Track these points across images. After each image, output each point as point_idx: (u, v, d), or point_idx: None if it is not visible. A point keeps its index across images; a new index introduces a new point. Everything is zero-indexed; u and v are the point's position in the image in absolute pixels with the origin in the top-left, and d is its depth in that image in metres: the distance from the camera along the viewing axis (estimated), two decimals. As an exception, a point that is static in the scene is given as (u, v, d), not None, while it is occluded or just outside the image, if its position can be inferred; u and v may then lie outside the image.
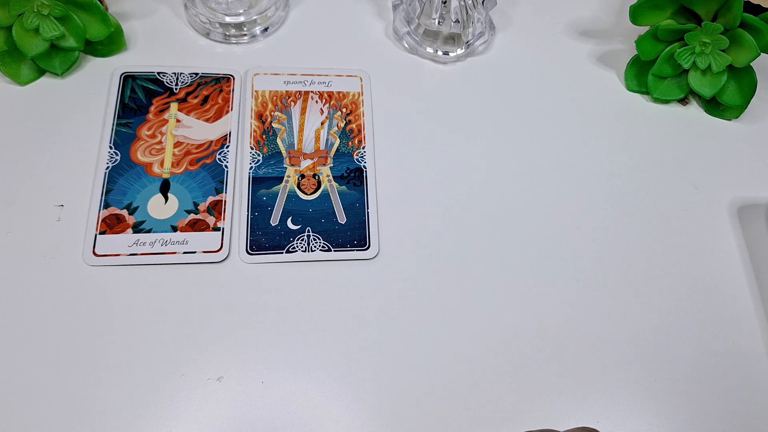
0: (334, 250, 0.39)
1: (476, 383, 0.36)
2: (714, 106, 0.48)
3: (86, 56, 0.44)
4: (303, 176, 0.41)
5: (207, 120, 0.43)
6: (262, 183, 0.41)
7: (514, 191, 0.43)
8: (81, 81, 0.43)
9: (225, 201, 0.40)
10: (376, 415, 0.35)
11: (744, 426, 0.37)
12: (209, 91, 0.44)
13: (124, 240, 0.38)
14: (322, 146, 0.43)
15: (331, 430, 0.34)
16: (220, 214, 0.39)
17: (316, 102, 0.44)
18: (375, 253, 0.39)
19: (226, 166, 0.41)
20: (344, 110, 0.44)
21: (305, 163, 0.42)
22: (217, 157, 0.41)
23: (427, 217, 0.41)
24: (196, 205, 0.40)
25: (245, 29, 0.46)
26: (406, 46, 0.48)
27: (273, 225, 0.40)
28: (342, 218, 0.40)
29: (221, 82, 0.44)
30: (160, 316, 0.36)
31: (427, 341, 0.37)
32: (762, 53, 0.43)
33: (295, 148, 0.42)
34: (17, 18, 0.40)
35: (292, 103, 0.44)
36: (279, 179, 0.41)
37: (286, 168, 0.42)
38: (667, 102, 0.48)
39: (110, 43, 0.44)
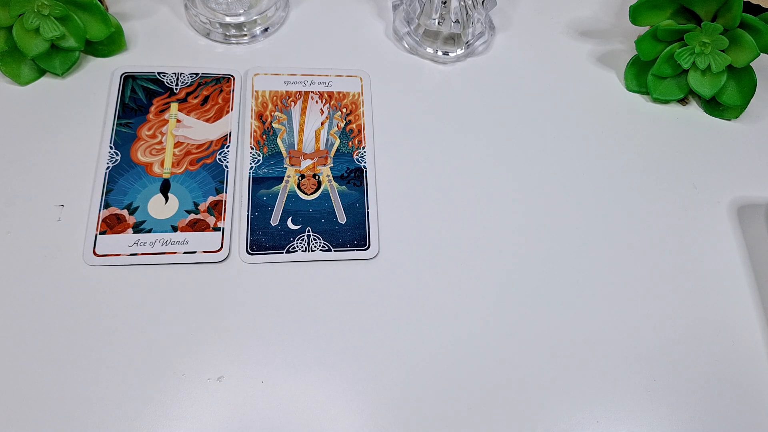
0: (334, 250, 0.39)
1: (476, 383, 0.36)
2: (714, 106, 0.48)
3: (86, 56, 0.44)
4: (303, 176, 0.42)
5: (207, 120, 0.43)
6: (262, 183, 0.41)
7: (514, 191, 0.43)
8: (81, 81, 0.43)
9: (225, 201, 0.40)
10: (376, 415, 0.35)
11: (744, 426, 0.37)
12: (209, 91, 0.44)
13: (125, 240, 0.38)
14: (322, 146, 0.43)
15: (331, 430, 0.34)
16: (221, 214, 0.39)
17: (316, 102, 0.44)
18: (375, 253, 0.39)
19: (226, 166, 0.41)
20: (344, 110, 0.44)
21: (305, 163, 0.42)
22: (218, 157, 0.41)
23: (427, 217, 0.41)
24: (196, 205, 0.40)
25: (245, 29, 0.46)
26: (406, 46, 0.48)
27: (273, 225, 0.40)
28: (342, 218, 0.40)
29: (221, 82, 0.44)
30: (160, 316, 0.36)
31: (427, 341, 0.37)
32: (762, 53, 0.43)
33: (296, 148, 0.42)
34: (17, 18, 0.40)
35: (293, 103, 0.44)
36: (279, 179, 0.41)
37: (286, 168, 0.42)
38: (666, 102, 0.48)
39: (110, 43, 0.44)
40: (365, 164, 0.43)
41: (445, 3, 0.45)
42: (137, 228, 0.38)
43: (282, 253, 0.39)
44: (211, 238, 0.39)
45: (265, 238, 0.39)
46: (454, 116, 0.45)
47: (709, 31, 0.44)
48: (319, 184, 0.41)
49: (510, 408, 0.36)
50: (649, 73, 0.47)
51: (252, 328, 0.37)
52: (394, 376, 0.36)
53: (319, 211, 0.40)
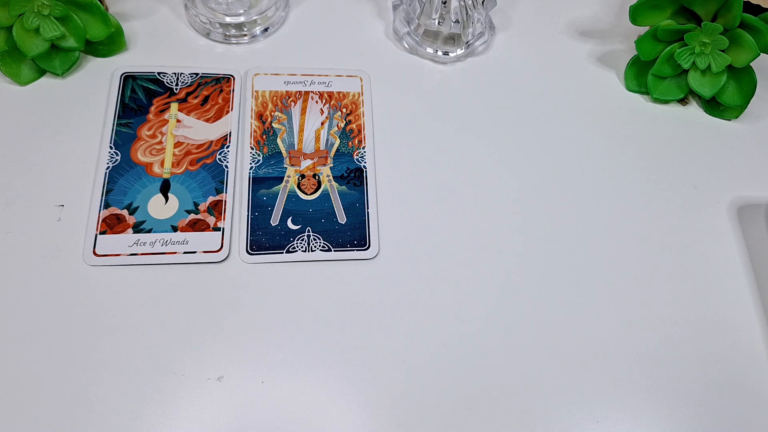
0: (334, 250, 0.39)
1: (477, 383, 0.36)
2: (714, 106, 0.48)
3: (86, 56, 0.44)
4: (303, 176, 0.42)
5: (207, 120, 0.43)
6: (262, 183, 0.41)
7: (514, 191, 0.43)
8: (81, 81, 0.43)
9: (225, 201, 0.40)
10: (376, 415, 0.35)
11: (744, 426, 0.37)
12: (209, 91, 0.44)
13: (125, 240, 0.38)
14: (322, 146, 0.43)
15: (331, 430, 0.34)
16: (221, 214, 0.39)
17: (316, 102, 0.44)
18: (375, 253, 0.39)
19: (226, 166, 0.41)
20: (344, 110, 0.44)
21: (305, 163, 0.42)
22: (218, 157, 0.41)
23: (427, 217, 0.41)
24: (196, 205, 0.40)
25: (245, 29, 0.46)
26: (406, 46, 0.48)
27: (273, 225, 0.40)
28: (342, 218, 0.40)
29: (221, 82, 0.44)
30: (160, 316, 0.36)
31: (427, 341, 0.37)
32: (761, 53, 0.43)
33: (296, 148, 0.42)
34: (18, 18, 0.40)
35: (293, 103, 0.44)
36: (279, 179, 0.41)
37: (286, 168, 0.42)
38: (666, 102, 0.48)
39: (110, 43, 0.44)
40: (365, 164, 0.43)
41: (445, 3, 0.45)
42: (137, 228, 0.38)
43: (282, 253, 0.39)
44: (211, 238, 0.39)
45: (265, 238, 0.39)
46: (454, 116, 0.45)
47: (709, 31, 0.44)
48: (319, 184, 0.41)
49: (510, 408, 0.36)
50: (649, 73, 0.47)
51: (252, 328, 0.37)
52: (394, 376, 0.36)
53: (319, 211, 0.40)
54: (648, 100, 0.48)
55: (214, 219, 0.39)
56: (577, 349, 0.38)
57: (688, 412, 0.37)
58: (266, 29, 0.47)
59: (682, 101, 0.48)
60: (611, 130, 0.46)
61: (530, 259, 0.41)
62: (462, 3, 0.45)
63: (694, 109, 0.48)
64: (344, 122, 0.44)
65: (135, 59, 0.45)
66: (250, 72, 0.45)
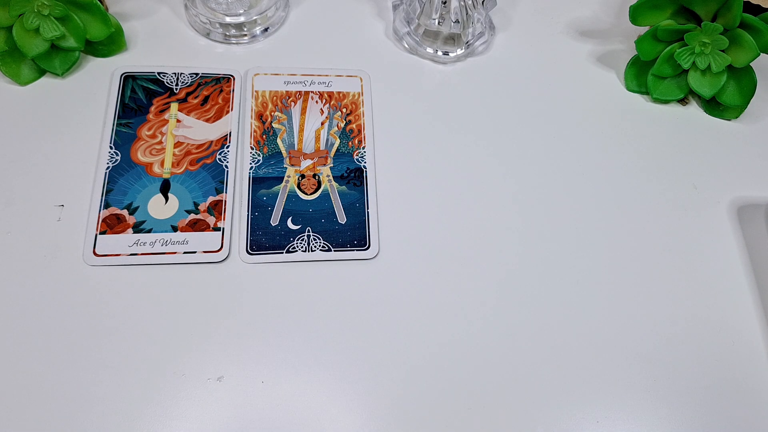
0: (334, 250, 0.39)
1: (477, 383, 0.36)
2: (714, 106, 0.48)
3: (86, 56, 0.44)
4: (303, 176, 0.42)
5: (207, 120, 0.43)
6: (262, 183, 0.41)
7: (514, 191, 0.43)
8: (81, 81, 0.43)
9: (225, 201, 0.40)
10: (376, 415, 0.35)
11: (744, 426, 0.37)
12: (209, 91, 0.44)
13: (125, 240, 0.38)
14: (322, 146, 0.43)
15: (331, 430, 0.34)
16: (221, 214, 0.39)
17: (316, 102, 0.44)
18: (375, 253, 0.40)
19: (226, 166, 0.41)
20: (344, 110, 0.44)
21: (305, 163, 0.42)
22: (218, 157, 0.41)
23: (427, 217, 0.41)
24: (196, 205, 0.40)
25: (245, 29, 0.46)
26: (406, 46, 0.48)
27: (273, 225, 0.40)
28: (342, 218, 0.40)
29: (221, 82, 0.44)
30: (160, 316, 0.36)
31: (427, 341, 0.37)
32: (761, 53, 0.43)
33: (296, 148, 0.42)
34: (18, 18, 0.40)
35: (293, 103, 0.44)
36: (279, 179, 0.41)
37: (286, 168, 0.42)
38: (666, 102, 0.48)
39: (110, 43, 0.44)
40: (365, 164, 0.43)
41: (445, 3, 0.45)
42: (137, 228, 0.38)
43: (282, 253, 0.39)
44: (211, 238, 0.39)
45: (265, 238, 0.39)
46: (454, 116, 0.45)
47: (709, 31, 0.44)
48: (319, 184, 0.41)
49: (510, 408, 0.36)
50: (649, 73, 0.47)
51: (252, 328, 0.37)
52: (394, 376, 0.36)
53: (319, 211, 0.40)
54: (648, 100, 0.48)
55: (214, 219, 0.39)
56: (577, 349, 0.38)
57: (688, 412, 0.37)
58: (266, 29, 0.47)
59: (682, 101, 0.48)
60: (611, 130, 0.46)
61: (530, 258, 0.41)
62: (462, 3, 0.45)
63: (694, 109, 0.48)
64: (344, 122, 0.44)
65: (135, 59, 0.45)
66: (250, 72, 0.45)
